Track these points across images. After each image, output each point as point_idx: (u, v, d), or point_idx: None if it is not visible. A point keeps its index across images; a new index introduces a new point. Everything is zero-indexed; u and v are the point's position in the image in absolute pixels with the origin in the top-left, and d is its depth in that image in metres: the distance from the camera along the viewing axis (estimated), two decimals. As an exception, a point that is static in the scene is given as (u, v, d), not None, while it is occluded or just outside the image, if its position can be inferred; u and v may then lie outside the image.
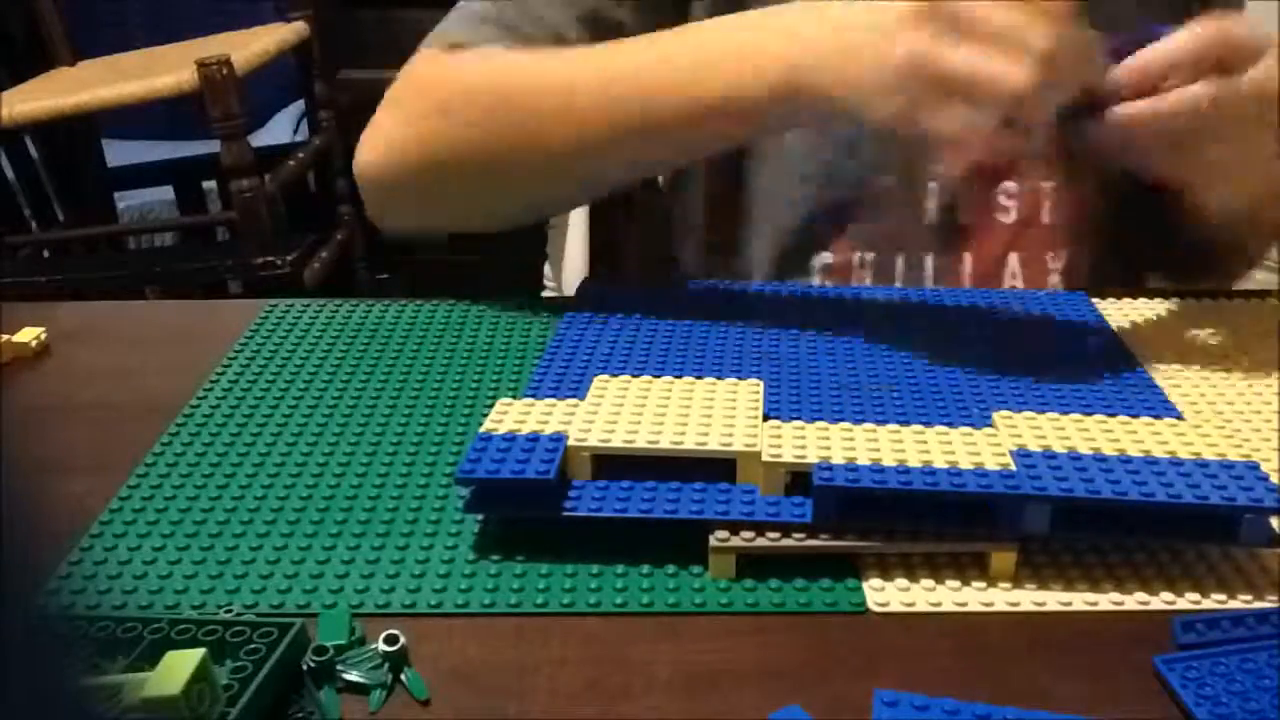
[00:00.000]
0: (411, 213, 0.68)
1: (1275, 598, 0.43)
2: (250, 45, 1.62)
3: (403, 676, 0.39)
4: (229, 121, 1.50)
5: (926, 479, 0.44)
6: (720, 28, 0.59)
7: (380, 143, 0.65)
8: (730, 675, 0.40)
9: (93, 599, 0.44)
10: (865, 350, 0.59)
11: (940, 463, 0.45)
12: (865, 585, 0.44)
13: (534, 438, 0.48)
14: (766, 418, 0.50)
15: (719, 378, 0.54)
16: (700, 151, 0.65)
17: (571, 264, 1.88)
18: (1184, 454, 0.46)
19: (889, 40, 0.49)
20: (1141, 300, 0.69)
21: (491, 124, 0.62)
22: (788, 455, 0.46)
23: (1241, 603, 0.43)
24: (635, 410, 0.50)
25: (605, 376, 0.53)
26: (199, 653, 0.36)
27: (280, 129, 2.31)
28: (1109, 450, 0.46)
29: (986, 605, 0.43)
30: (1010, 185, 0.68)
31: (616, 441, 0.47)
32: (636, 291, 0.67)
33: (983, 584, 0.44)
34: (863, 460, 0.45)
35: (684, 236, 0.79)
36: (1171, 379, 0.58)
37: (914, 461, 0.45)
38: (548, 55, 0.63)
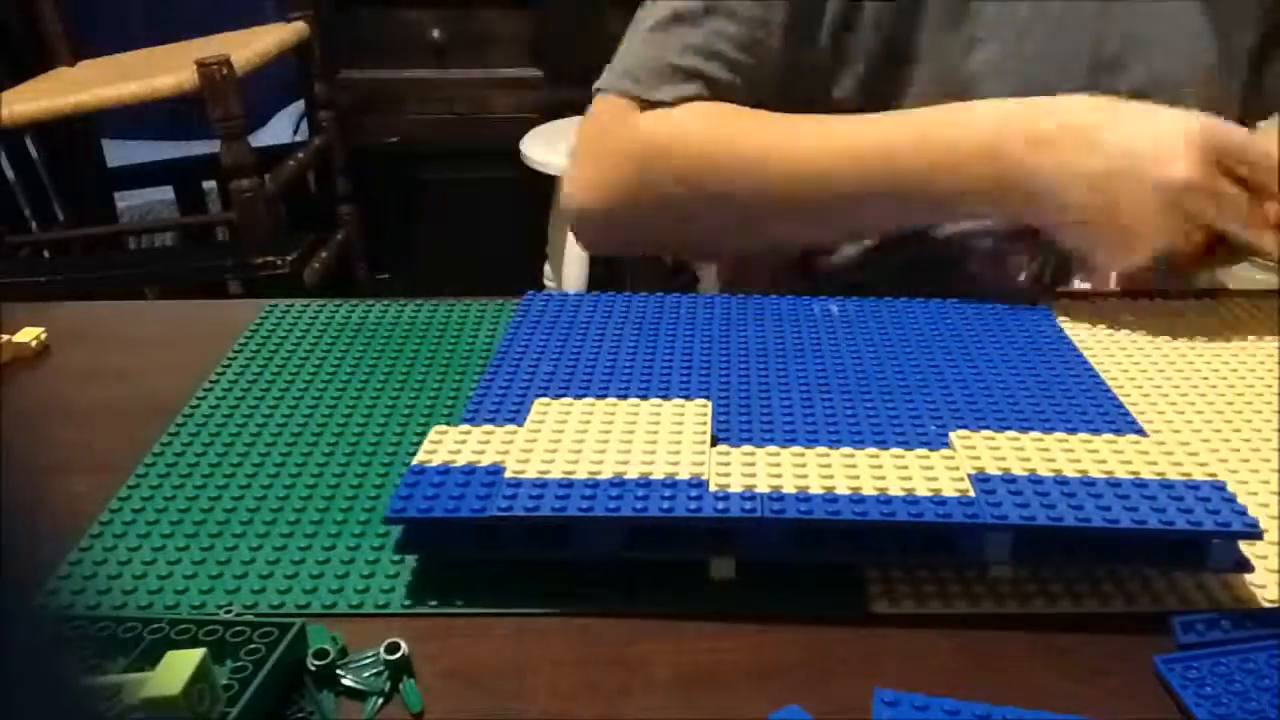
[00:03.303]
0: (619, 245, 0.76)
1: (1275, 598, 0.43)
2: (250, 45, 1.62)
3: (400, 686, 0.39)
4: (229, 121, 1.51)
5: (882, 509, 0.42)
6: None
7: (587, 188, 0.71)
8: (730, 675, 0.40)
9: (93, 599, 0.44)
10: (818, 364, 0.57)
11: (896, 489, 0.43)
12: (865, 585, 0.44)
13: (469, 470, 0.46)
14: (715, 440, 0.48)
15: (665, 397, 0.52)
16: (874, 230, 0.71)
17: (571, 264, 1.88)
18: (1148, 474, 0.44)
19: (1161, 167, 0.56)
20: (1097, 302, 0.68)
21: (687, 187, 0.68)
22: (736, 485, 0.44)
23: (1241, 603, 0.43)
24: (577, 437, 0.47)
25: (546, 400, 0.51)
26: (199, 653, 0.36)
27: (280, 129, 2.31)
28: (1070, 472, 0.44)
29: (986, 606, 0.43)
30: None
31: (556, 473, 0.45)
32: (581, 301, 0.65)
33: (982, 585, 0.44)
34: (815, 488, 0.43)
35: None
36: (1140, 388, 0.58)
37: (869, 489, 0.43)
38: (742, 126, 0.67)
